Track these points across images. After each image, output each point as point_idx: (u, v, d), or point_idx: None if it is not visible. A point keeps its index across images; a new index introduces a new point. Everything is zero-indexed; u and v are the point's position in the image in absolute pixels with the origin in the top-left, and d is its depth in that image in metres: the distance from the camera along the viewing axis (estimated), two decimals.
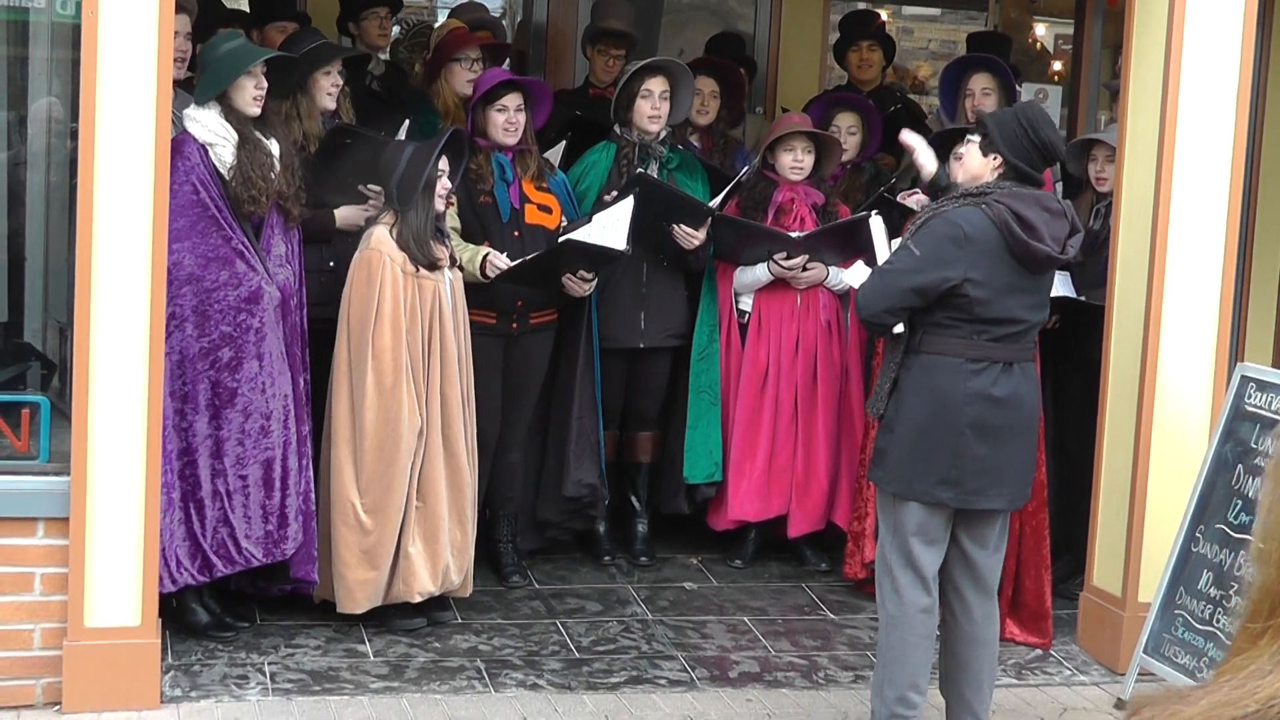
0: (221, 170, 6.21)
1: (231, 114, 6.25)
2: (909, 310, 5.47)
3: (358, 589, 6.54)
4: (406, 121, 7.25)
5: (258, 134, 6.30)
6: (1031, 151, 5.48)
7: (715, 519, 7.73)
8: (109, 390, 5.72)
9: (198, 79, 6.35)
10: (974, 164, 5.58)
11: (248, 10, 8.15)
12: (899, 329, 5.56)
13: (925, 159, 6.00)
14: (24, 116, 6.50)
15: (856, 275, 6.10)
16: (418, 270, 6.45)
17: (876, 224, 6.52)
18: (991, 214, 5.39)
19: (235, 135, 6.22)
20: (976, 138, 5.59)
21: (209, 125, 6.22)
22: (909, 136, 6.09)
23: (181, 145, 6.12)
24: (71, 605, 5.75)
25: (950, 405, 5.44)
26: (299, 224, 6.49)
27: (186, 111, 6.23)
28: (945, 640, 5.71)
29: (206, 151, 6.19)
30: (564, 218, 7.26)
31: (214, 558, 6.21)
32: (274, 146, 6.35)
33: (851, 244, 7.41)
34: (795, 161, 7.49)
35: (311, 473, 6.46)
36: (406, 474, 6.47)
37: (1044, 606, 6.90)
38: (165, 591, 6.16)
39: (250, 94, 6.25)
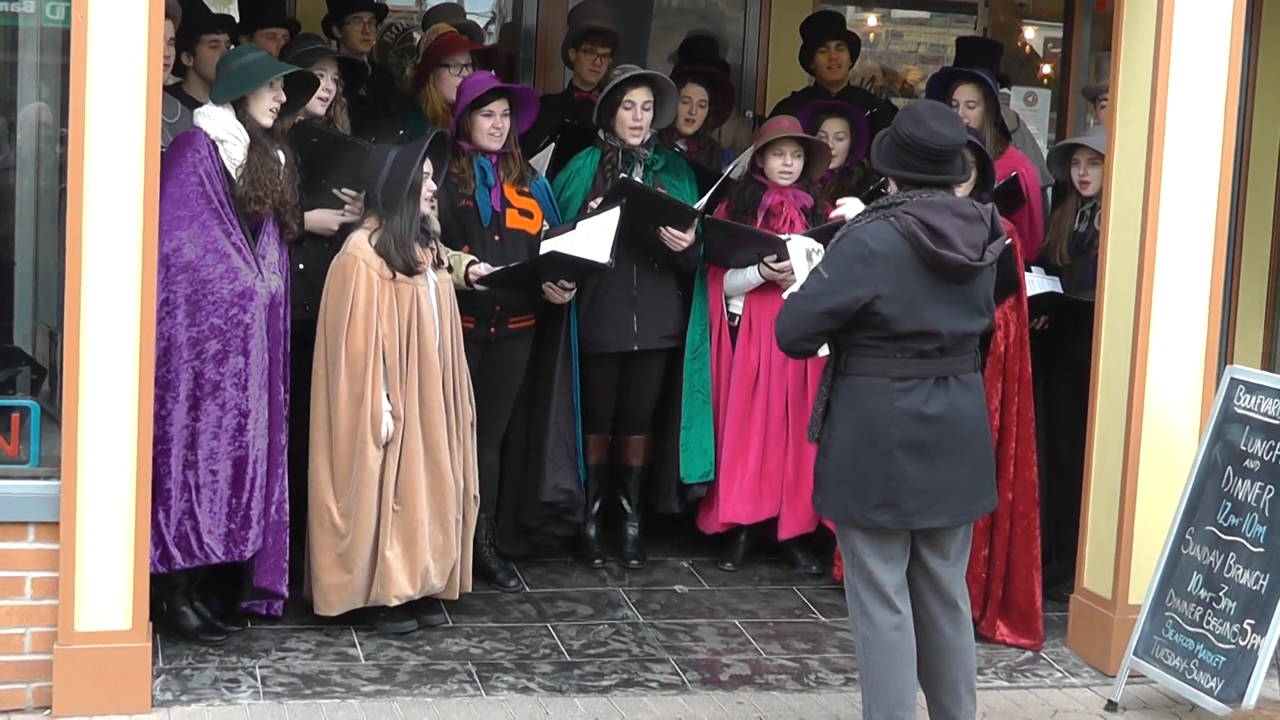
0: (230, 168, 6.24)
1: (245, 119, 6.28)
2: (825, 333, 5.41)
3: (332, 592, 6.55)
4: (402, 133, 7.25)
5: (266, 141, 6.33)
6: (900, 153, 5.34)
7: (706, 522, 7.74)
8: (99, 394, 5.71)
9: (217, 83, 6.37)
10: (891, 186, 5.52)
11: (235, 17, 8.14)
12: (824, 351, 5.52)
13: (849, 210, 5.66)
14: (13, 122, 6.51)
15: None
16: (394, 275, 6.45)
17: (795, 245, 6.48)
18: (899, 226, 5.28)
19: (247, 137, 6.26)
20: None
21: (222, 123, 6.26)
22: (840, 208, 5.75)
23: (192, 138, 6.18)
24: (62, 609, 5.75)
25: (878, 427, 5.36)
26: (293, 238, 6.51)
27: (200, 109, 6.32)
28: (918, 650, 5.68)
29: (216, 148, 6.22)
30: (545, 222, 7.27)
31: (173, 549, 6.20)
32: (280, 156, 6.39)
33: None
34: (784, 165, 7.51)
35: (287, 483, 6.45)
36: (377, 478, 6.47)
37: (1034, 607, 6.90)
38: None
39: (268, 104, 6.32)
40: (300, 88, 6.54)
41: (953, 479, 5.42)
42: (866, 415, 5.38)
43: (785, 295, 6.12)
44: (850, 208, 5.66)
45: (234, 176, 6.25)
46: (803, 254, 6.34)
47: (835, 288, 5.32)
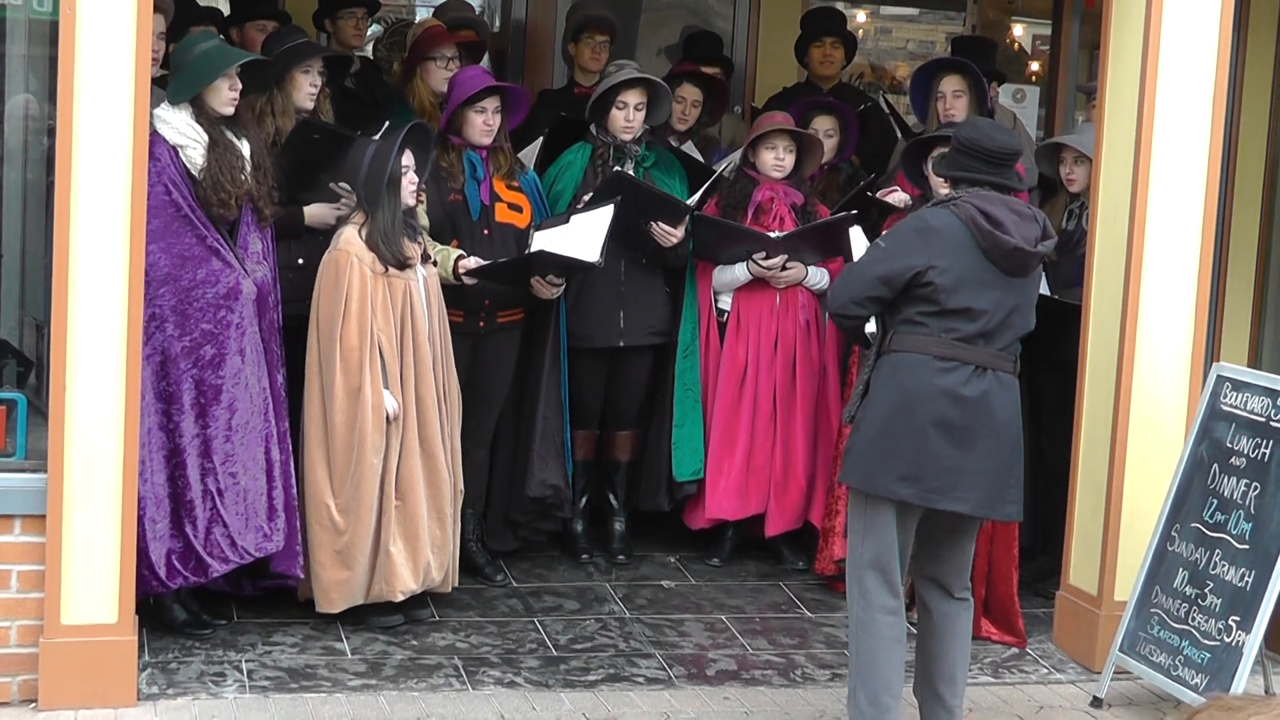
0: (193, 171, 6.21)
1: (203, 115, 6.25)
2: (876, 301, 5.49)
3: (333, 589, 6.54)
4: (386, 123, 7.24)
5: (229, 135, 6.31)
6: (961, 157, 5.56)
7: (693, 517, 7.74)
8: (86, 387, 5.71)
9: (171, 78, 6.34)
10: (937, 188, 5.78)
11: (222, 9, 8.13)
12: (870, 327, 5.59)
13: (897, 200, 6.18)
14: (0, 114, 6.48)
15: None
16: (386, 270, 6.45)
17: (856, 230, 6.57)
18: (958, 211, 5.46)
19: (205, 137, 6.22)
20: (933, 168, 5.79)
21: (179, 127, 6.22)
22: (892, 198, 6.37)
23: (152, 147, 6.11)
24: (48, 603, 5.74)
25: (915, 401, 5.43)
26: (271, 223, 6.50)
27: (156, 112, 6.23)
28: (918, 637, 5.72)
29: (177, 153, 6.19)
30: (534, 217, 7.26)
31: (208, 558, 6.20)
32: (245, 147, 6.36)
33: (830, 244, 7.43)
34: (777, 160, 7.51)
35: (292, 469, 6.45)
36: (376, 473, 6.47)
37: (1014, 606, 6.93)
38: (158, 594, 6.18)
39: (225, 95, 6.27)
40: (261, 71, 6.51)
41: (980, 467, 5.47)
42: (904, 389, 5.46)
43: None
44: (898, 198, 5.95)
45: (198, 179, 6.23)
46: (862, 237, 6.48)
47: (891, 255, 5.49)
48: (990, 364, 5.50)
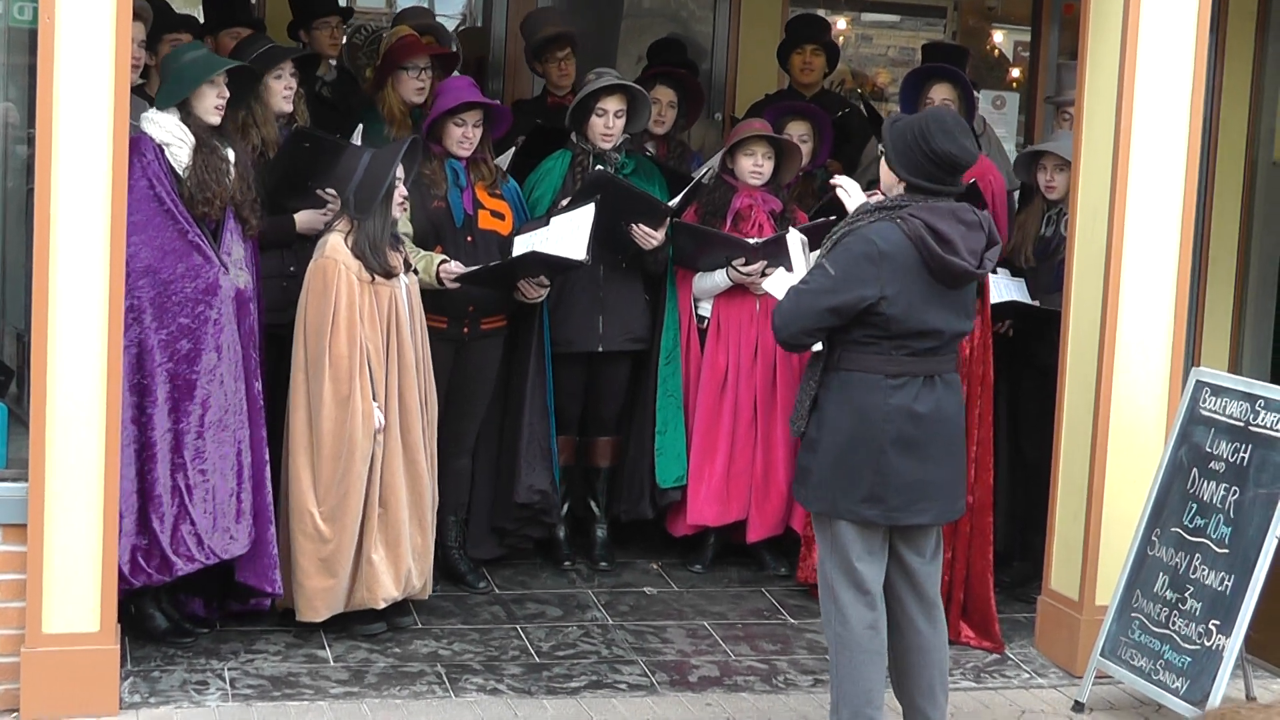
0: (177, 169, 6.22)
1: (191, 120, 6.27)
2: (826, 330, 5.42)
3: (316, 597, 6.53)
4: (360, 126, 7.25)
5: (214, 141, 6.32)
6: (927, 165, 5.35)
7: (675, 524, 7.75)
8: (66, 396, 5.70)
9: (160, 87, 6.35)
10: (885, 178, 5.52)
11: (200, 17, 8.12)
12: (817, 346, 5.53)
13: (850, 191, 5.69)
14: None
15: (776, 284, 6.11)
16: (373, 278, 6.45)
17: (794, 239, 6.52)
18: (907, 229, 5.31)
19: (192, 139, 6.24)
20: (883, 151, 5.51)
21: (166, 127, 6.24)
22: (841, 181, 5.78)
23: (137, 143, 6.14)
24: (30, 611, 5.73)
25: (871, 422, 5.39)
26: (258, 232, 6.50)
27: (145, 114, 6.27)
28: (892, 651, 5.69)
29: (162, 151, 6.21)
30: (516, 224, 7.26)
31: (173, 556, 6.17)
32: (230, 154, 6.37)
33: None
34: (755, 166, 7.52)
35: (267, 476, 6.44)
36: (363, 481, 6.47)
37: (991, 610, 6.94)
38: (123, 591, 6.15)
39: (212, 103, 6.29)
40: (245, 82, 6.52)
41: (937, 477, 5.47)
42: (859, 410, 5.41)
43: (766, 285, 6.21)
44: (852, 188, 5.65)
45: (182, 178, 6.24)
46: (800, 249, 6.37)
47: (842, 285, 5.34)
48: (936, 370, 5.46)
